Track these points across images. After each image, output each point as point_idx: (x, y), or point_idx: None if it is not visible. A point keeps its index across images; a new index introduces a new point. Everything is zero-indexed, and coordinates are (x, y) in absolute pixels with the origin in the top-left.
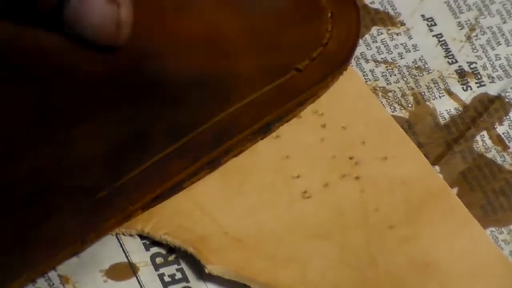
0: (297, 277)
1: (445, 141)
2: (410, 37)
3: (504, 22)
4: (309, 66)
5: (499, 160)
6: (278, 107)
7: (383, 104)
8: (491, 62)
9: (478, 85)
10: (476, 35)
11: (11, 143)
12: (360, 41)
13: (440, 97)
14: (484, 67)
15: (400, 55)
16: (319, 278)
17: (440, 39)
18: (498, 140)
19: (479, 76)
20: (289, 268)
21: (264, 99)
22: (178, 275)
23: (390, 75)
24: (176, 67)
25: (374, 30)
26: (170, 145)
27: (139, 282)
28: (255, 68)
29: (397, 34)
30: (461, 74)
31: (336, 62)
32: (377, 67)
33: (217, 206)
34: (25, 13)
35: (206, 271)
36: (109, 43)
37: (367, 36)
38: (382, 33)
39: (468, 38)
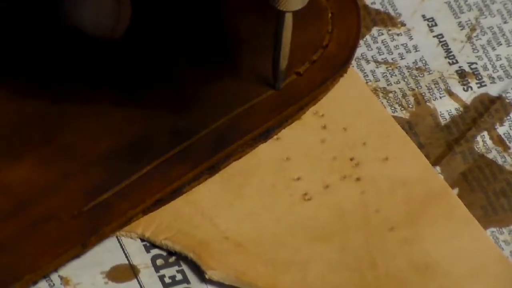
0: (297, 281)
1: (445, 141)
2: (410, 38)
3: (505, 22)
4: (310, 70)
5: (499, 160)
6: (279, 113)
7: (384, 105)
8: (491, 63)
9: (479, 85)
10: (477, 35)
11: (12, 143)
12: (361, 41)
13: (440, 97)
14: (485, 68)
15: (401, 55)
16: (319, 281)
17: (441, 40)
18: (499, 141)
19: (479, 77)
20: (289, 272)
21: (264, 104)
22: (179, 277)
23: (391, 76)
24: (177, 71)
25: (374, 30)
26: (171, 149)
27: (139, 284)
28: (255, 72)
29: (398, 35)
30: (462, 75)
31: (337, 64)
32: (377, 67)
33: (217, 210)
34: (25, 8)
35: (207, 276)
36: (105, 36)
37: (367, 37)
38: (382, 34)
39: (469, 38)
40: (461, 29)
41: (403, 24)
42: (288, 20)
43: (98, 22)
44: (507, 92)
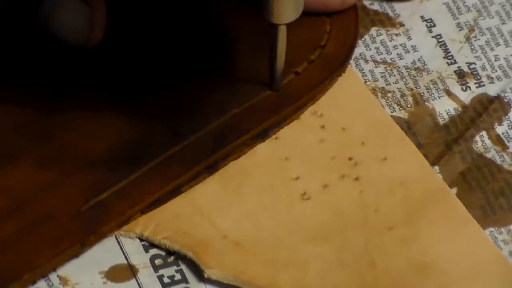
0: (296, 280)
1: (444, 141)
2: (409, 38)
3: (503, 23)
4: (308, 69)
5: (498, 160)
6: (277, 112)
7: (383, 105)
8: (490, 63)
9: (477, 85)
10: (475, 36)
11: (11, 143)
12: (360, 41)
13: (439, 97)
14: (483, 68)
15: (399, 55)
16: (318, 281)
17: (439, 40)
18: (498, 140)
19: (478, 77)
20: (288, 271)
21: (262, 104)
22: (178, 276)
23: (389, 76)
24: (175, 71)
25: (373, 30)
26: (169, 148)
27: (138, 284)
28: (253, 71)
29: (396, 35)
30: (460, 75)
31: (335, 64)
32: (376, 67)
33: (216, 209)
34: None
35: (205, 276)
36: (81, 43)
37: (366, 37)
38: (381, 34)
39: (467, 39)
40: (460, 30)
41: (401, 25)
42: (282, 32)
43: (72, 29)
44: (506, 92)
